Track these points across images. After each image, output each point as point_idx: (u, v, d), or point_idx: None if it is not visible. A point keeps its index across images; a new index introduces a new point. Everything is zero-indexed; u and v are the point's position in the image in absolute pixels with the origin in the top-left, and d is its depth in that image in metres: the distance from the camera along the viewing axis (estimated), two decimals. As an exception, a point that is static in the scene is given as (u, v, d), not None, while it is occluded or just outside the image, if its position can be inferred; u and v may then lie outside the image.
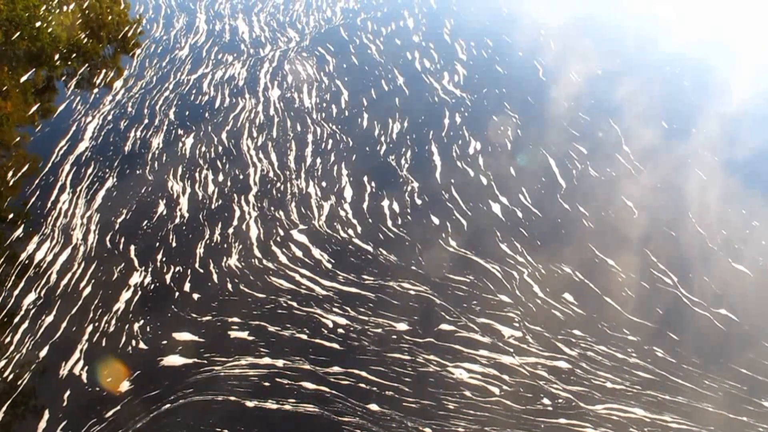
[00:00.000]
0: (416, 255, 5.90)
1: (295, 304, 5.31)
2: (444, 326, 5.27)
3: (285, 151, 7.05)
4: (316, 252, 5.82)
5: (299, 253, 5.80)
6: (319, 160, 6.96)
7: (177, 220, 5.97)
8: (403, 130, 7.60)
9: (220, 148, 6.97)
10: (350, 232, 6.09)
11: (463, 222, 6.35)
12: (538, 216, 6.49)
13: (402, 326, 5.23)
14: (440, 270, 5.77)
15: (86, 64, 8.37)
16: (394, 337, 5.14)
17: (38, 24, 9.16)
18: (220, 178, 6.55)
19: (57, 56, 8.49)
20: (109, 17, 9.79)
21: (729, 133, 8.31)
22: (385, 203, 6.49)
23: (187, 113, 7.46)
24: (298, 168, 6.81)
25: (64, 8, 9.81)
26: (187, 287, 5.35)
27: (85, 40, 9.00)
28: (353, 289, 5.49)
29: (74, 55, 8.57)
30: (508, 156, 7.35)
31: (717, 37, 11.13)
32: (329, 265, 5.70)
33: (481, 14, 10.81)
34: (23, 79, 7.90)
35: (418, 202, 6.55)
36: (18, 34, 8.81)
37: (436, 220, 6.34)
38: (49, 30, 9.06)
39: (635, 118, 8.29)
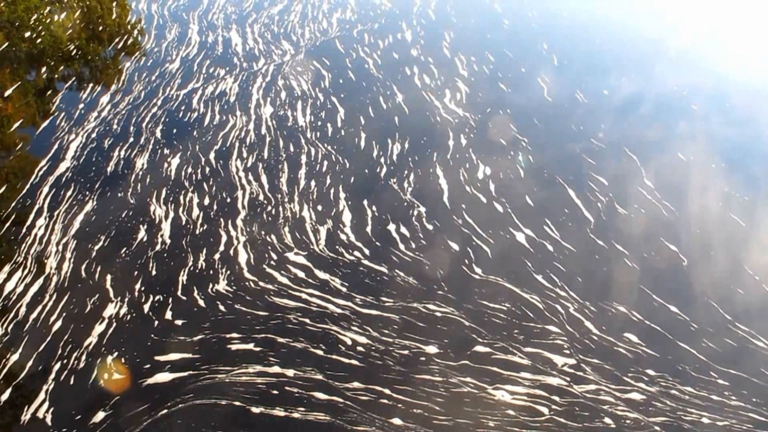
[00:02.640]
0: (439, 279, 5.66)
1: (307, 320, 5.13)
2: (479, 348, 5.07)
3: (276, 172, 6.76)
4: (322, 274, 5.58)
5: (302, 274, 5.56)
6: (313, 183, 6.67)
7: (158, 247, 5.69)
8: (404, 152, 7.29)
9: (208, 169, 6.69)
10: (357, 254, 5.83)
11: (486, 249, 6.07)
12: (572, 251, 6.15)
13: (431, 348, 5.02)
14: (470, 295, 5.54)
15: (73, 78, 8.12)
16: (423, 358, 4.94)
17: (27, 34, 8.94)
18: (206, 201, 6.27)
19: (43, 69, 8.24)
20: (100, 27, 9.55)
21: (755, 169, 7.85)
22: (392, 227, 6.20)
23: (174, 131, 7.19)
24: (290, 191, 6.53)
25: (55, 17, 9.59)
26: (168, 315, 5.07)
27: (73, 51, 8.76)
28: (373, 311, 5.28)
29: (61, 68, 8.33)
30: (522, 183, 6.99)
31: (734, 60, 10.81)
32: (341, 287, 5.47)
33: (482, 27, 10.53)
34: (7, 93, 7.66)
35: (429, 227, 6.26)
36: (6, 44, 8.57)
37: (454, 246, 6.06)
38: (38, 41, 8.83)
39: (650, 147, 7.89)
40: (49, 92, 7.77)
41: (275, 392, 4.58)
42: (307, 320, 5.16)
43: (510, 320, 5.38)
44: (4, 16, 9.43)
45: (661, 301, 5.76)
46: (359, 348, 4.97)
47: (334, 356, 4.89)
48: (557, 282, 5.79)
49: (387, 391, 4.68)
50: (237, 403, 4.48)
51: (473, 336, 5.20)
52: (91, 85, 7.98)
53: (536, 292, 5.68)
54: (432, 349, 5.05)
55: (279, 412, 4.45)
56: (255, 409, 4.44)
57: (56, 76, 8.13)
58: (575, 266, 6.00)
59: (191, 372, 4.66)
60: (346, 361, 4.86)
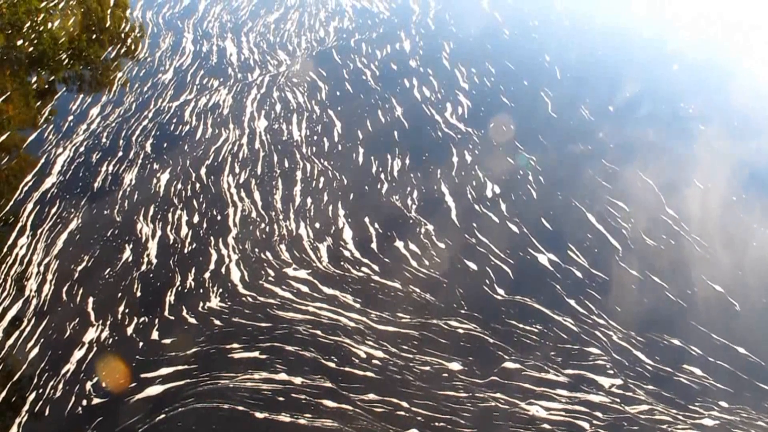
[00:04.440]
0: (458, 298, 5.50)
1: (319, 332, 5.04)
2: (508, 365, 4.96)
3: (270, 189, 6.56)
4: (329, 289, 5.44)
5: (305, 289, 5.42)
6: (309, 200, 6.47)
7: (144, 267, 5.49)
8: (406, 168, 7.07)
9: (198, 185, 6.50)
10: (366, 270, 5.68)
11: (507, 270, 5.88)
12: (604, 279, 5.92)
13: (455, 365, 4.90)
14: (495, 314, 5.40)
15: (63, 89, 7.94)
16: (446, 375, 4.82)
17: (19, 42, 8.77)
18: (196, 218, 6.07)
19: (33, 79, 8.07)
20: (93, 36, 9.38)
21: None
22: (399, 244, 6.02)
23: (165, 145, 7.00)
24: (285, 208, 6.33)
25: (49, 25, 9.42)
26: (155, 335, 4.90)
27: (65, 61, 8.59)
28: (390, 327, 5.16)
29: (51, 78, 8.15)
30: (536, 205, 6.74)
31: (747, 71, 10.60)
32: (354, 303, 5.34)
33: (481, 37, 10.33)
34: (-5, 104, 7.49)
35: (441, 245, 6.07)
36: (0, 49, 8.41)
37: (471, 265, 5.88)
38: (30, 49, 8.66)
39: (664, 171, 7.56)
40: (38, 103, 7.59)
41: (281, 398, 4.51)
42: (319, 332, 5.07)
43: (542, 341, 5.22)
44: (5, 18, 9.32)
45: (723, 341, 5.49)
46: (375, 362, 4.87)
47: (346, 368, 4.80)
48: (593, 309, 5.58)
49: (404, 404, 4.58)
50: (240, 408, 4.40)
51: (500, 353, 5.07)
52: (81, 95, 7.80)
53: (570, 316, 5.49)
54: (455, 366, 4.92)
55: (285, 418, 4.28)
56: (259, 414, 4.29)
57: (46, 86, 7.95)
58: (611, 294, 5.77)
59: (187, 380, 4.57)
60: (360, 373, 4.77)
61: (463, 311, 5.40)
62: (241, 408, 4.44)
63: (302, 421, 4.37)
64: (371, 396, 4.60)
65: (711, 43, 11.33)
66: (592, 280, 5.91)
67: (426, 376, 4.83)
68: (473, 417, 4.55)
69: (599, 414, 4.71)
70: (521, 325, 5.34)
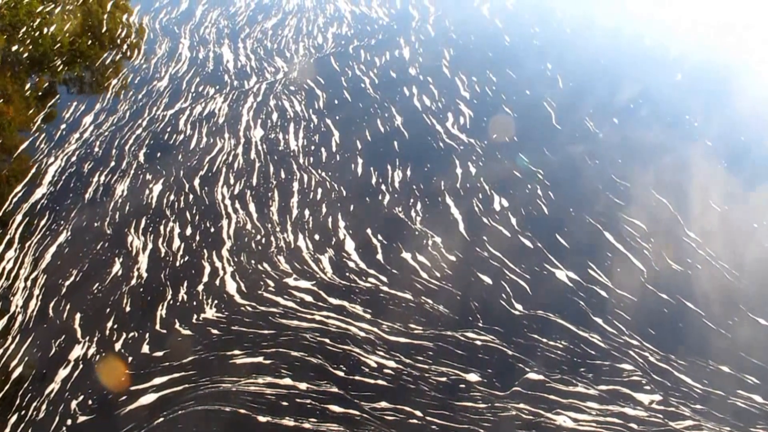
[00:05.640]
0: (474, 311, 5.41)
1: (327, 340, 5.00)
2: (532, 376, 4.89)
3: (266, 200, 6.43)
4: (335, 300, 5.37)
5: (309, 299, 5.35)
6: (307, 212, 6.33)
7: (133, 282, 5.37)
8: (407, 179, 6.92)
9: (191, 196, 6.37)
10: (373, 281, 5.58)
11: (523, 285, 5.75)
12: (632, 300, 5.73)
13: (473, 376, 4.84)
14: (516, 328, 5.31)
15: (57, 96, 7.82)
16: (463, 385, 4.76)
17: (14, 48, 8.67)
18: (188, 231, 5.95)
19: (27, 86, 7.96)
20: (89, 42, 9.27)
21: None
22: (407, 255, 5.91)
23: (158, 155, 6.88)
24: (282, 220, 6.20)
25: (45, 30, 9.31)
26: (145, 349, 4.80)
27: (59, 67, 8.48)
28: (402, 339, 5.10)
29: (45, 85, 8.04)
30: (548, 220, 6.56)
31: (753, 80, 10.44)
32: (363, 313, 5.27)
33: (482, 44, 10.19)
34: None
35: (451, 257, 5.95)
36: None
37: (485, 278, 5.76)
38: (25, 55, 8.55)
39: (678, 190, 7.27)
40: (30, 111, 7.47)
41: (285, 404, 4.38)
42: (327, 340, 5.03)
43: (568, 356, 5.11)
44: (6, 20, 9.27)
45: None
46: (386, 371, 4.82)
47: (356, 377, 4.77)
48: (623, 329, 5.42)
49: (418, 413, 4.53)
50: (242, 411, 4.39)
51: (520, 365, 4.99)
52: (75, 103, 7.68)
53: (598, 333, 5.36)
54: (473, 377, 4.84)
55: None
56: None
57: (40, 93, 7.84)
58: (642, 316, 5.59)
59: (185, 385, 4.54)
60: (371, 381, 4.73)
61: (480, 324, 5.30)
62: (243, 411, 4.41)
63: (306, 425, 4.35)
64: (383, 404, 4.55)
65: (715, 49, 11.19)
66: (620, 300, 5.72)
67: (442, 386, 4.75)
68: (494, 427, 4.48)
69: (634, 426, 4.61)
70: (545, 340, 5.23)
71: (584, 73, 9.68)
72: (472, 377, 4.85)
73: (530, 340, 5.22)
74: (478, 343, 5.13)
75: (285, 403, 4.49)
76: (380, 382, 4.74)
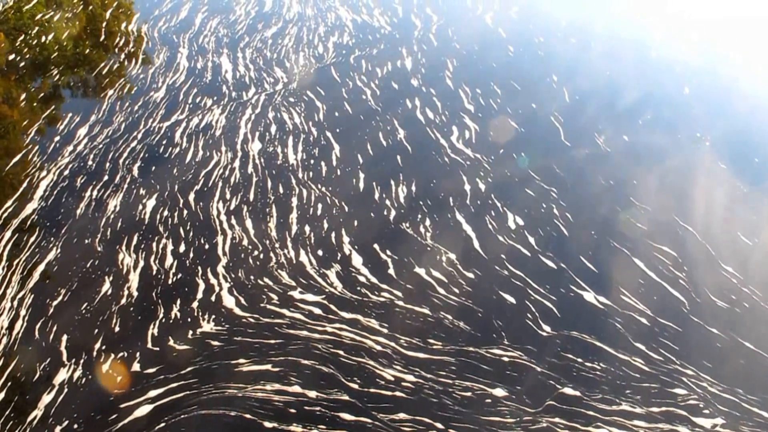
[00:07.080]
0: (498, 328, 5.30)
1: (341, 352, 4.92)
2: (568, 390, 4.82)
3: (264, 216, 6.26)
4: (347, 313, 5.28)
5: (318, 311, 5.25)
6: (308, 228, 6.16)
7: (123, 301, 5.20)
8: (413, 195, 6.75)
9: (186, 212, 6.20)
10: (386, 295, 5.47)
11: (550, 306, 5.59)
12: (677, 330, 5.56)
13: (499, 392, 4.76)
14: (546, 346, 5.20)
15: (52, 107, 7.67)
16: (489, 400, 4.68)
17: (11, 57, 8.54)
18: (182, 248, 5.77)
19: (22, 96, 7.81)
20: (87, 51, 9.14)
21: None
22: (420, 271, 5.76)
23: (153, 169, 6.72)
24: (281, 236, 6.02)
25: (42, 38, 9.18)
26: (136, 367, 4.66)
27: (56, 77, 8.34)
28: (421, 354, 5.00)
29: (40, 95, 7.90)
30: (570, 242, 6.36)
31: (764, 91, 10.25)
32: (380, 328, 5.18)
33: (486, 54, 10.02)
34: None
35: (469, 275, 5.80)
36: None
37: (509, 298, 5.63)
38: (21, 64, 8.42)
39: (702, 217, 7.01)
40: (25, 122, 7.32)
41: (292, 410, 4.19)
42: (341, 351, 4.96)
43: (608, 378, 5.00)
44: (11, 23, 9.22)
45: None
46: (405, 384, 4.75)
47: (372, 389, 4.70)
48: (672, 358, 5.28)
49: (439, 425, 4.46)
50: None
51: (551, 382, 4.89)
52: (69, 114, 7.52)
53: (641, 357, 5.23)
54: (500, 392, 4.77)
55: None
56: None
57: (35, 104, 7.69)
58: (692, 348, 5.42)
59: (186, 392, 4.48)
60: (388, 393, 4.66)
61: (505, 342, 5.18)
62: (248, 416, 4.38)
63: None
64: (401, 415, 4.48)
65: (724, 61, 10.99)
66: (662, 329, 5.55)
67: (467, 401, 4.65)
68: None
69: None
70: (580, 360, 5.11)
71: (591, 85, 9.49)
72: (499, 392, 4.76)
73: (564, 359, 5.10)
74: (506, 359, 5.03)
75: (293, 410, 4.47)
76: (398, 394, 4.65)
